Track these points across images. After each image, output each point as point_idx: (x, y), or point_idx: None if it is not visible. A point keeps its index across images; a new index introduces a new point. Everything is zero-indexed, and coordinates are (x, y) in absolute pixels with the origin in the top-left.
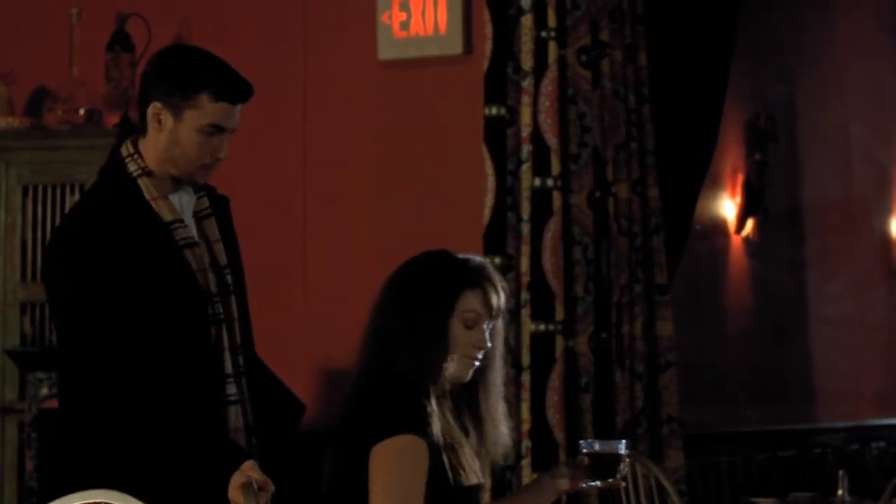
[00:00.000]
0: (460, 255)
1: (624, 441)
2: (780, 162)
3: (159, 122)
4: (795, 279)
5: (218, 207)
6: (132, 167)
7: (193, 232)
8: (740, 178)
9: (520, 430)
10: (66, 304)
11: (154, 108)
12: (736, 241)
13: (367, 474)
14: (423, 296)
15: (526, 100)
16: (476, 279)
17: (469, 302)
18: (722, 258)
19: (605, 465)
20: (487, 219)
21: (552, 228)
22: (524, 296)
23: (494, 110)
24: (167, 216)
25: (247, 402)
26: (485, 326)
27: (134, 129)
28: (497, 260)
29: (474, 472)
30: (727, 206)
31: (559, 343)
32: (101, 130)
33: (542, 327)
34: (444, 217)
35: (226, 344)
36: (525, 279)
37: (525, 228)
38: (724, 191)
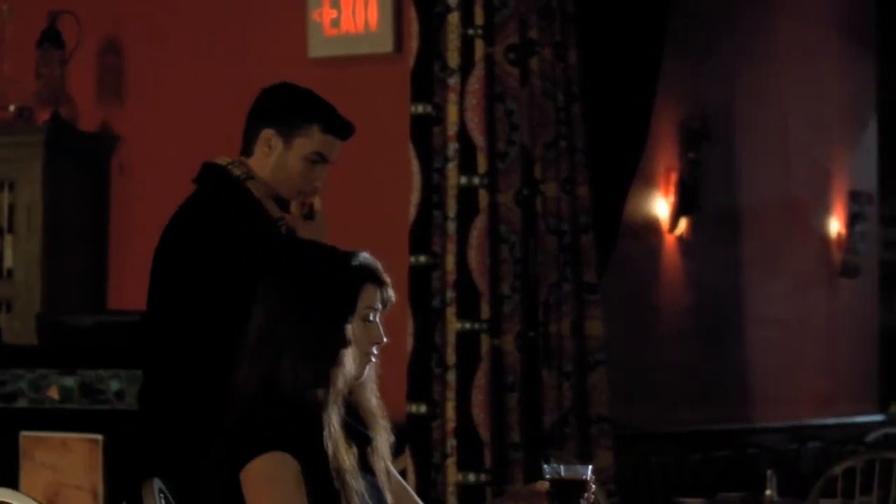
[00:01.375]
0: (342, 250)
1: (590, 467)
2: (716, 162)
3: (269, 146)
4: (732, 279)
5: None
6: (237, 171)
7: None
8: (674, 178)
9: (445, 430)
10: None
11: (267, 133)
12: (669, 240)
13: (237, 500)
14: (321, 296)
15: (452, 98)
16: (371, 272)
17: (369, 297)
18: (655, 257)
19: (568, 491)
20: (413, 217)
21: (478, 227)
22: (450, 294)
23: (421, 108)
24: (274, 213)
25: None
26: (379, 321)
27: (64, 126)
28: (423, 258)
29: (359, 494)
30: (660, 206)
31: (485, 342)
32: (32, 127)
33: (467, 326)
34: (371, 215)
35: None
36: (451, 277)
37: (451, 227)
38: (657, 190)
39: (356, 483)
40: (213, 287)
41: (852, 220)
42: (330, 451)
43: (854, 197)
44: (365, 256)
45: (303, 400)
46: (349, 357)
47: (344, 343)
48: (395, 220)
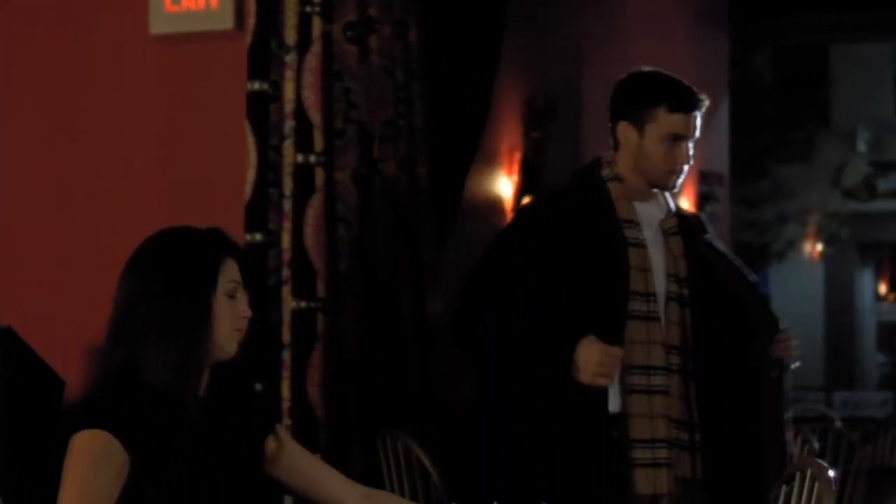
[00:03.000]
0: (196, 228)
1: None
2: (562, 141)
3: (626, 139)
4: None
5: (688, 227)
6: (605, 172)
7: (646, 236)
8: (518, 157)
9: (280, 409)
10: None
11: (621, 126)
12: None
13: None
14: (184, 273)
15: (289, 75)
16: (227, 247)
17: (230, 271)
18: None
19: None
20: (249, 195)
21: (315, 205)
22: (285, 273)
23: (257, 85)
24: (623, 215)
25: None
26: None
27: None
28: (259, 236)
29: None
30: (504, 185)
31: (321, 320)
32: None
33: (303, 304)
34: (207, 193)
35: (657, 339)
36: (287, 256)
37: (287, 205)
38: (500, 169)
39: (206, 462)
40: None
41: (702, 200)
42: (186, 432)
43: (704, 177)
44: (218, 232)
45: (167, 379)
46: (215, 334)
47: (208, 321)
48: (231, 197)
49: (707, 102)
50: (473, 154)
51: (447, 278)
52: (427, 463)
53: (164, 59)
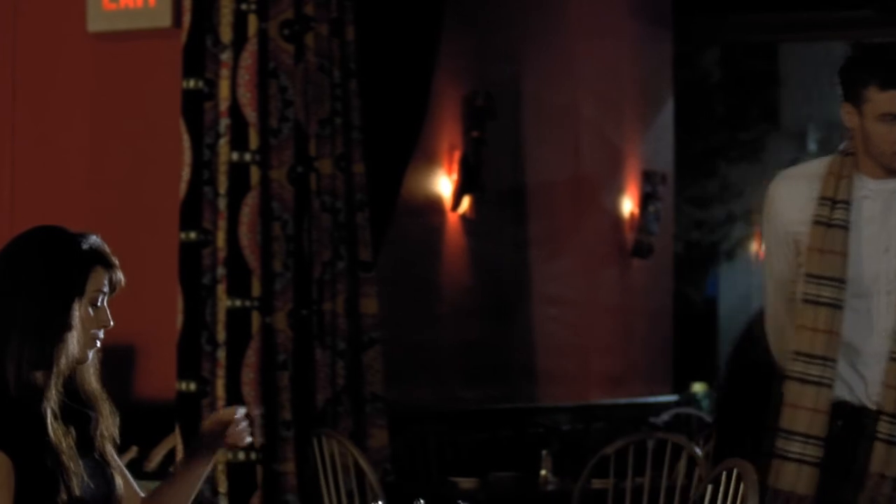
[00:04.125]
0: (73, 231)
1: None
2: (502, 140)
3: (851, 121)
4: (517, 258)
5: None
6: (841, 146)
7: (852, 217)
8: (457, 156)
9: (215, 408)
10: None
11: (845, 108)
12: (452, 218)
13: None
14: (50, 276)
15: (225, 73)
16: (100, 256)
17: (98, 280)
18: (437, 236)
19: None
20: (184, 193)
21: (250, 203)
22: (220, 271)
23: (192, 83)
24: (828, 193)
25: None
26: (106, 305)
27: None
28: (193, 235)
29: (77, 476)
30: (443, 184)
31: (256, 319)
32: None
33: (238, 303)
34: (142, 191)
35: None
36: (221, 254)
37: (222, 203)
38: (440, 168)
39: (75, 465)
40: None
41: (645, 199)
42: (51, 434)
43: (648, 177)
44: (94, 239)
45: (24, 382)
46: (73, 339)
47: (68, 325)
48: (166, 196)
49: None
50: (411, 153)
51: (390, 277)
52: (362, 462)
53: (102, 57)
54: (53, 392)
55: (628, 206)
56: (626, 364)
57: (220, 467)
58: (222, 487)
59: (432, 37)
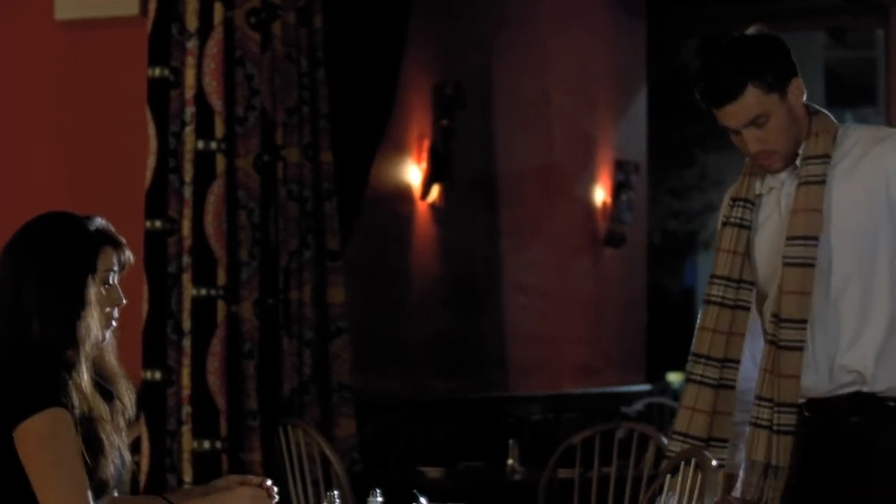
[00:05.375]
0: (79, 215)
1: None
2: (472, 129)
3: None
4: (488, 247)
5: None
6: None
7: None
8: (426, 144)
9: (180, 397)
10: None
11: None
12: (422, 207)
13: (11, 458)
14: (61, 257)
15: (190, 61)
16: (108, 236)
17: (108, 259)
18: (407, 225)
19: None
20: (149, 181)
21: (215, 192)
22: (186, 260)
23: (158, 71)
24: (736, 193)
25: None
26: (117, 283)
27: None
28: (158, 223)
29: (116, 448)
30: (413, 173)
31: (221, 308)
32: None
33: (203, 292)
34: (108, 179)
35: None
36: (187, 243)
37: (187, 191)
38: (409, 157)
39: (118, 439)
40: None
41: (618, 189)
42: (86, 408)
43: (620, 166)
44: (100, 221)
45: (58, 359)
46: (94, 319)
47: (84, 303)
48: (131, 184)
49: (748, 89)
50: (379, 141)
51: (359, 266)
52: (328, 451)
53: (69, 45)
54: (84, 370)
55: (601, 195)
56: (599, 354)
57: (186, 456)
58: (188, 476)
59: (401, 25)
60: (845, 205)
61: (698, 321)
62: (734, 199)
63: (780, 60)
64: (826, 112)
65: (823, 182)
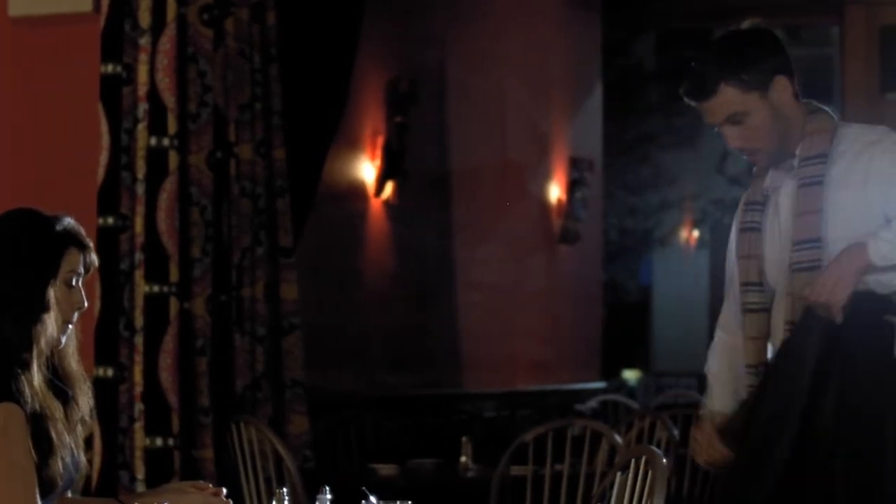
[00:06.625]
0: (47, 213)
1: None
2: (426, 126)
3: None
4: (442, 244)
5: None
6: None
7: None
8: (380, 141)
9: (132, 394)
10: None
11: None
12: (375, 204)
13: None
14: (24, 257)
15: (143, 58)
16: (74, 237)
17: (73, 261)
18: (360, 221)
19: None
20: (101, 178)
21: (168, 189)
22: (138, 257)
23: (111, 68)
24: (748, 197)
25: None
26: (81, 286)
27: None
28: (111, 220)
29: (68, 447)
30: (366, 169)
31: (174, 305)
32: None
33: (155, 289)
34: (60, 176)
35: None
36: (139, 240)
37: (140, 188)
38: (363, 153)
39: (69, 438)
40: None
41: (573, 186)
42: (38, 406)
43: (575, 163)
44: (69, 221)
45: (8, 357)
46: (51, 320)
47: (45, 306)
48: (84, 180)
49: (710, 92)
50: (332, 138)
51: (311, 263)
52: (281, 448)
53: (22, 42)
54: (36, 371)
55: (556, 192)
56: (553, 351)
57: (138, 454)
58: (140, 473)
59: (354, 21)
60: (841, 206)
61: (743, 332)
62: (746, 204)
63: (762, 58)
64: (826, 109)
65: (822, 182)
